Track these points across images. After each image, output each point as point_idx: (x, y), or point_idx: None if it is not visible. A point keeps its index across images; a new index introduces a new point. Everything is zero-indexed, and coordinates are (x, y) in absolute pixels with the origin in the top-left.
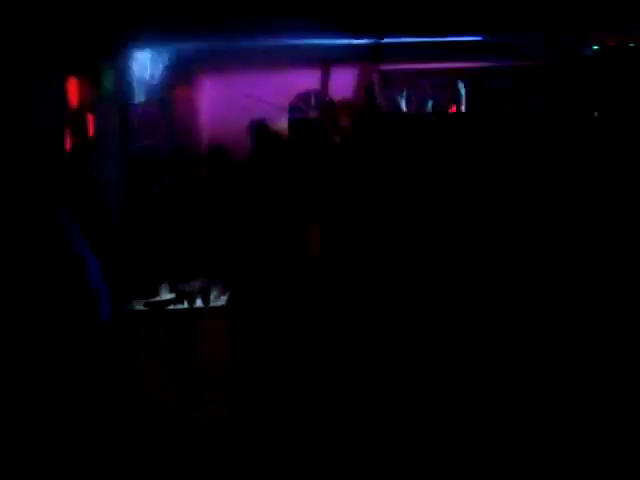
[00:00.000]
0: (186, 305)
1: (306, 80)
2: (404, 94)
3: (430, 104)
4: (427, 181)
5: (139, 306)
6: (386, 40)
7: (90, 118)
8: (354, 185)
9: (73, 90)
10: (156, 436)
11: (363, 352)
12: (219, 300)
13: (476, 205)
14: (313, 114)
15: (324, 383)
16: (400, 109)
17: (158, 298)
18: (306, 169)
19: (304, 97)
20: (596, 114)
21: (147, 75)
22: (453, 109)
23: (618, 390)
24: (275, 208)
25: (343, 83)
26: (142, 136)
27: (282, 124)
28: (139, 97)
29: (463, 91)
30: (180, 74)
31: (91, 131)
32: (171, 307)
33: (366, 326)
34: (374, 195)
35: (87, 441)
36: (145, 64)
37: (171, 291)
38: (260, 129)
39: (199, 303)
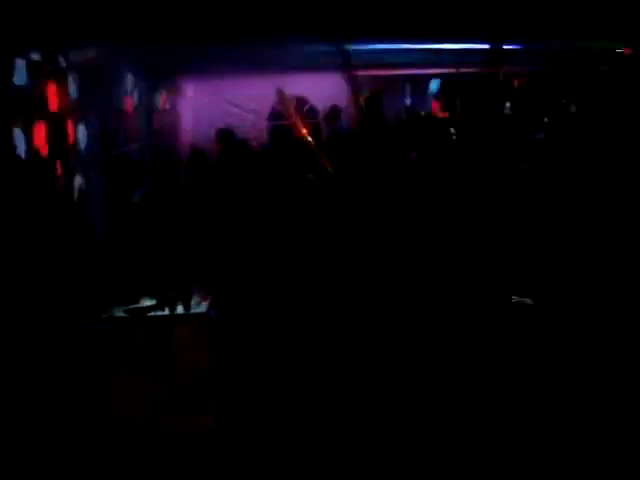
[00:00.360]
0: (167, 311)
1: (290, 85)
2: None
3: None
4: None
5: (120, 313)
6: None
7: (70, 124)
8: (332, 189)
9: (52, 96)
10: (137, 445)
11: (347, 355)
12: (200, 306)
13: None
14: (294, 120)
15: (312, 385)
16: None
17: (139, 305)
18: (280, 174)
19: (285, 102)
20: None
21: (128, 81)
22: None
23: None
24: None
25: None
26: (123, 142)
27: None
28: (120, 103)
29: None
30: (162, 80)
31: (71, 138)
32: (152, 313)
33: (349, 331)
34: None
35: (64, 448)
36: (125, 70)
37: (152, 297)
38: (224, 135)
39: (180, 309)
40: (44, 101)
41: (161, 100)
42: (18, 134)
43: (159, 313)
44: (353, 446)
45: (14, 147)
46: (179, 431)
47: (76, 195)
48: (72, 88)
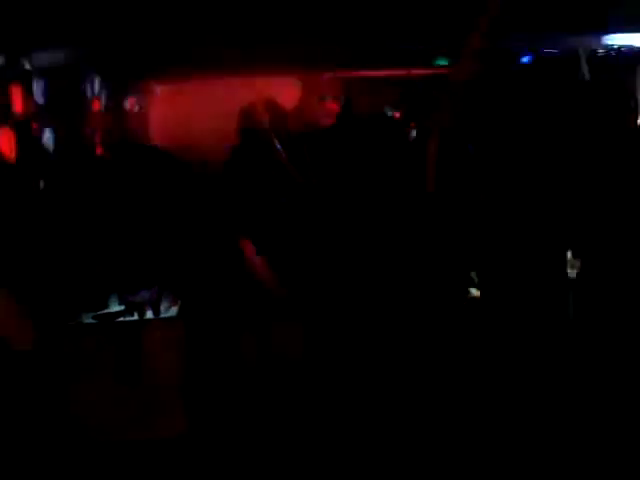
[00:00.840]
0: (136, 316)
1: (262, 88)
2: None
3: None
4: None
5: (87, 319)
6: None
7: (36, 128)
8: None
9: (17, 98)
10: (106, 453)
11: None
12: (170, 310)
13: None
14: (263, 122)
15: (286, 389)
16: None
17: (107, 310)
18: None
19: (252, 105)
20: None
21: (97, 84)
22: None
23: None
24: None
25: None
26: (91, 145)
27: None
28: (87, 106)
29: None
30: (130, 82)
31: (38, 141)
32: (121, 319)
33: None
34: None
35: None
36: (94, 73)
37: (120, 303)
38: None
39: (149, 314)
40: (8, 105)
41: (129, 103)
42: None
43: (128, 318)
44: (327, 449)
45: None
46: (149, 437)
47: (43, 199)
48: (37, 91)
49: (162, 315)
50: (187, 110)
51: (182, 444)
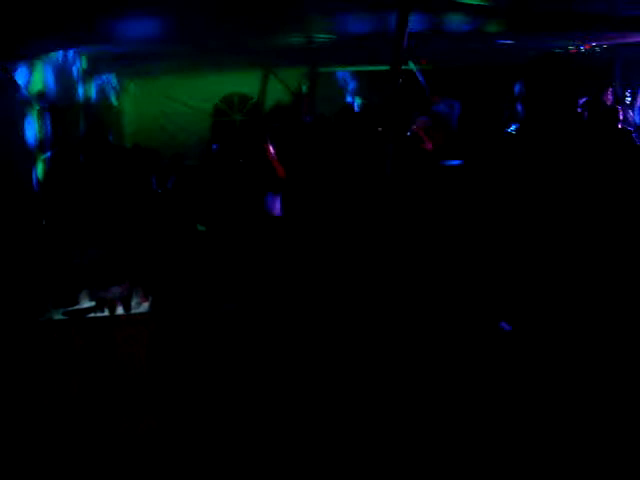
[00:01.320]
0: (107, 313)
1: (233, 82)
2: None
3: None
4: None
5: (58, 315)
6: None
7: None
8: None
9: None
10: (77, 450)
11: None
12: (141, 307)
13: None
14: (235, 115)
15: (258, 384)
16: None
17: (78, 306)
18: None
19: (227, 99)
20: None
21: (67, 77)
22: None
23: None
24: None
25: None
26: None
27: None
28: (61, 99)
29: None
30: (104, 76)
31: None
32: (91, 315)
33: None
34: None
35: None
36: (64, 66)
37: (91, 299)
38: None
39: (120, 310)
40: None
41: (101, 96)
42: None
43: (99, 314)
44: (295, 445)
45: None
46: (121, 434)
47: (14, 193)
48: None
49: (133, 311)
50: (159, 103)
51: (153, 440)
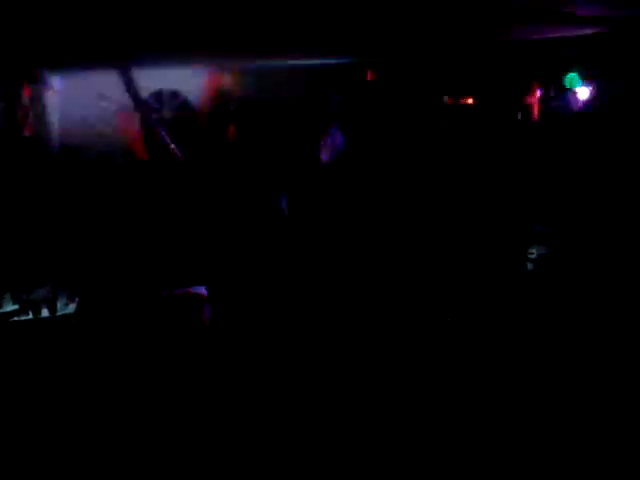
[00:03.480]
0: (31, 315)
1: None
2: None
3: None
4: None
5: None
6: None
7: None
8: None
9: None
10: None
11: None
12: (67, 308)
13: None
14: (166, 112)
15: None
16: None
17: (0, 310)
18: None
19: (156, 95)
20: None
21: None
22: None
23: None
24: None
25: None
26: None
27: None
28: None
29: None
30: (27, 71)
31: None
32: (15, 319)
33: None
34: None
35: None
36: None
37: (14, 302)
38: None
39: (45, 313)
40: None
41: (24, 93)
42: None
43: (23, 318)
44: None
45: None
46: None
47: None
48: None
49: (59, 313)
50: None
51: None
